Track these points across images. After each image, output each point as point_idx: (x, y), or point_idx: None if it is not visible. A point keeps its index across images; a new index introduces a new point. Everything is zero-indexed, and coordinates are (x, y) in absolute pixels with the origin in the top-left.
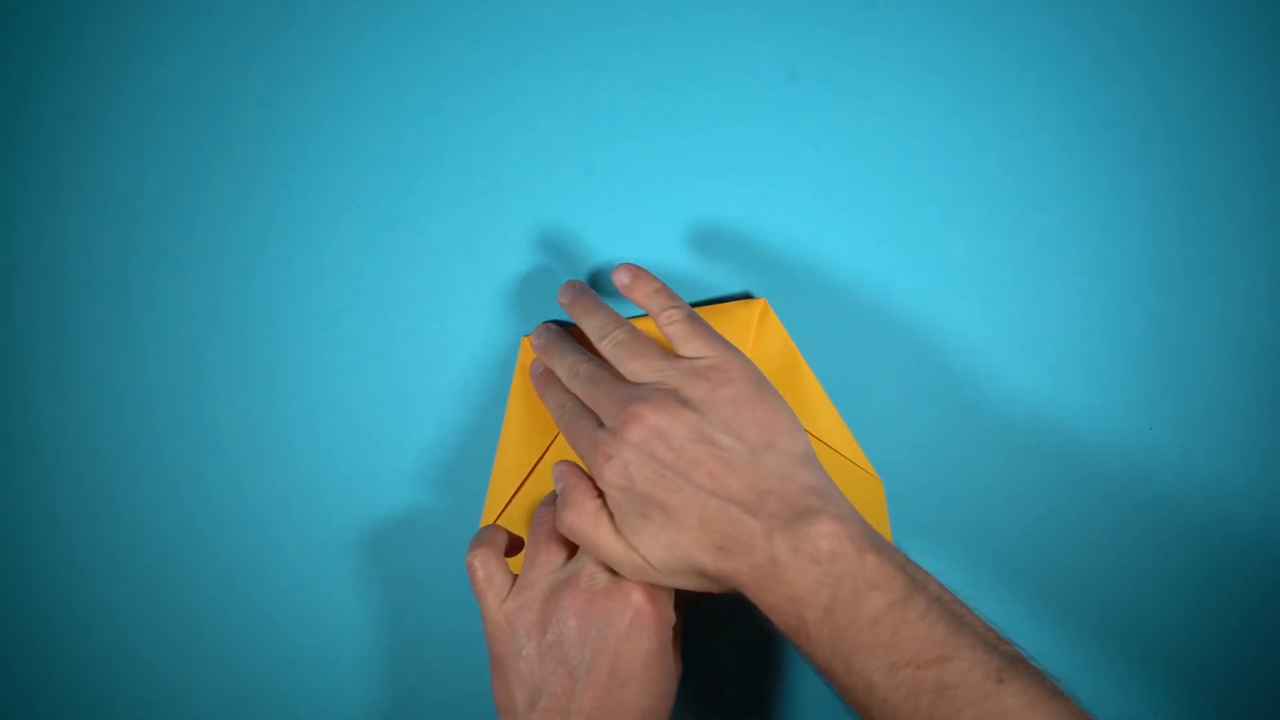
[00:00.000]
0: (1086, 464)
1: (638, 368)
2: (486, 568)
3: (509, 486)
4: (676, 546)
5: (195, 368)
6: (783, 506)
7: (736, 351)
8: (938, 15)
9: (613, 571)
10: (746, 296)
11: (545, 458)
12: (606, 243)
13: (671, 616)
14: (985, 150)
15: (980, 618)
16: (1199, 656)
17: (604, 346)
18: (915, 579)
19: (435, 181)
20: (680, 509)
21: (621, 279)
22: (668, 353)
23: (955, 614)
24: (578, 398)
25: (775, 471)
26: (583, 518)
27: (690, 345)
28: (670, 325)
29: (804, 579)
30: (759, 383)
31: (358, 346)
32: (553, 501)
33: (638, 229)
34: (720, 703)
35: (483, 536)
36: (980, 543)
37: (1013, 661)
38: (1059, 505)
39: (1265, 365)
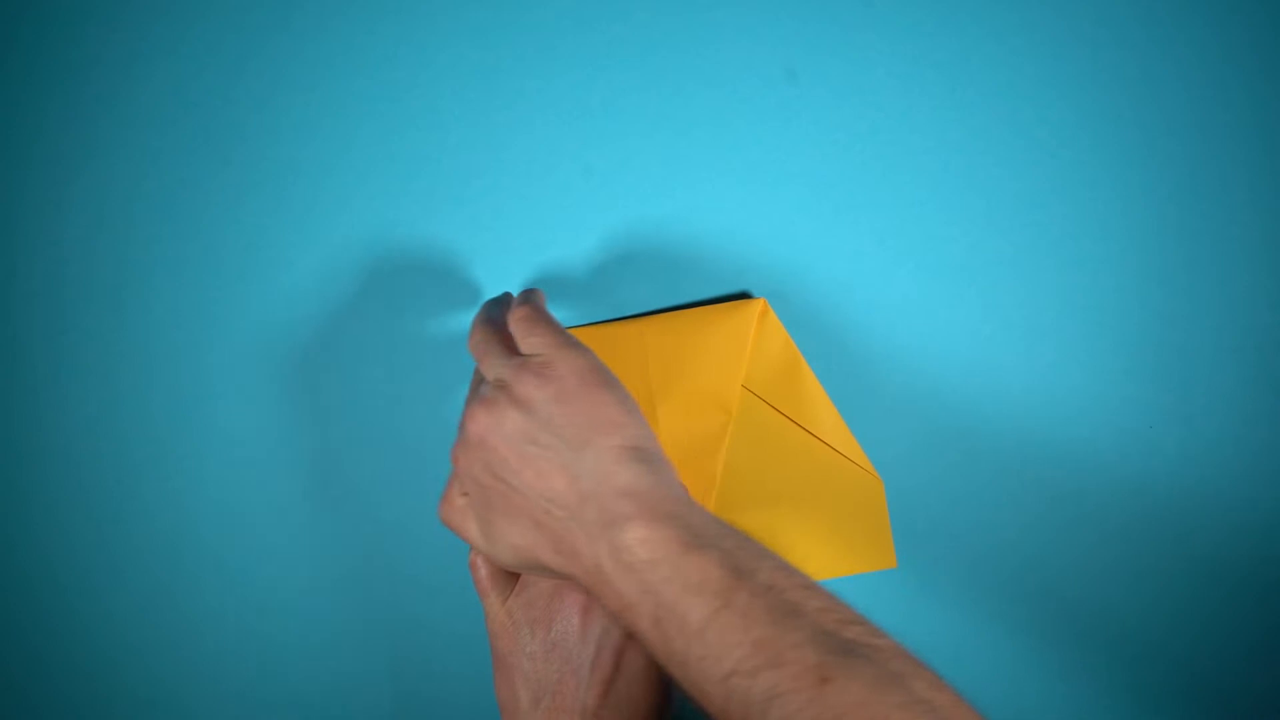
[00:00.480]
0: (1087, 463)
1: (485, 367)
2: (488, 566)
3: None
4: (521, 547)
5: (195, 369)
6: (600, 511)
7: (573, 344)
8: (937, 13)
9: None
10: (746, 296)
11: None
12: (606, 243)
13: None
14: (984, 148)
15: (821, 596)
16: (1198, 655)
17: (469, 346)
18: (740, 570)
19: (434, 182)
20: (514, 511)
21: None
22: (511, 351)
23: (784, 605)
24: None
25: (594, 472)
26: (451, 513)
27: (528, 341)
28: (516, 323)
29: (627, 587)
30: (585, 376)
31: (358, 347)
32: None
33: (637, 229)
34: None
35: None
36: (980, 542)
37: (844, 652)
38: (1059, 504)
39: (1265, 363)
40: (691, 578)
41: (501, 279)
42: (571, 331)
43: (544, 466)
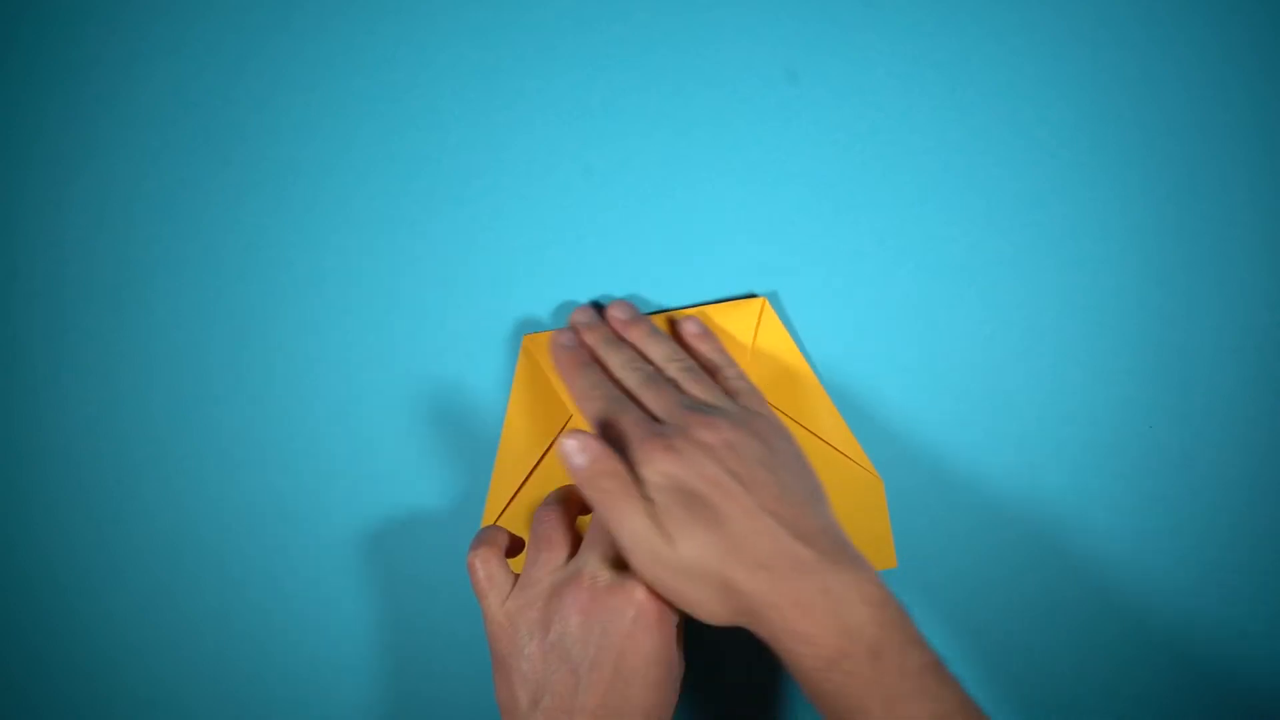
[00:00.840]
0: (1087, 462)
1: (707, 394)
2: (487, 567)
3: (510, 487)
4: (711, 554)
5: (195, 370)
6: (835, 546)
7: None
8: (937, 13)
9: (615, 568)
10: (746, 296)
11: (546, 458)
12: (605, 242)
13: (674, 614)
14: (984, 148)
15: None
16: (1198, 654)
17: (672, 368)
18: (933, 652)
19: (434, 182)
20: (732, 517)
21: (692, 329)
22: (733, 399)
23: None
24: (623, 390)
25: (825, 518)
26: (619, 487)
27: (752, 403)
28: (737, 380)
29: (855, 615)
30: (805, 455)
31: (358, 348)
32: (555, 500)
33: (637, 228)
34: (723, 700)
35: (483, 536)
36: (980, 541)
37: None
38: (1059, 503)
39: (1265, 363)
40: (914, 635)
41: (501, 279)
42: None
43: (777, 494)
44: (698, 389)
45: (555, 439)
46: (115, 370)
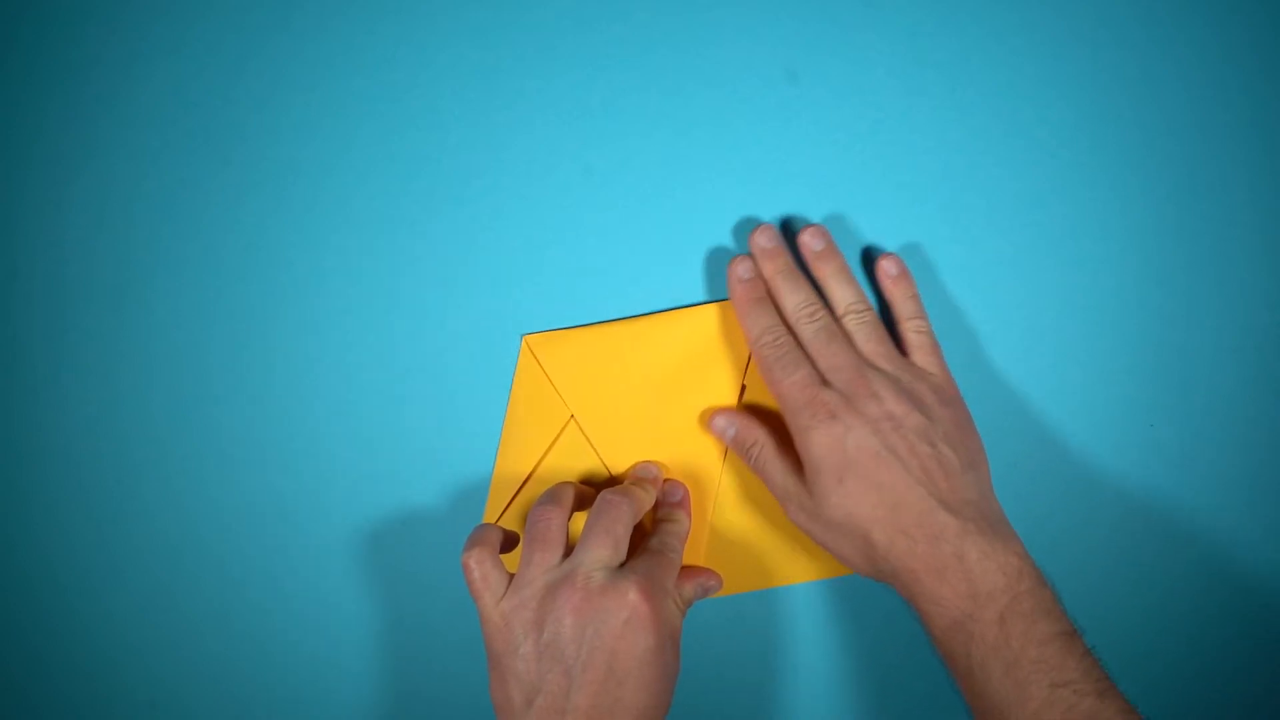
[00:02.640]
0: (1088, 461)
1: (878, 352)
2: (482, 567)
3: (510, 487)
4: (858, 516)
5: (195, 370)
6: (980, 516)
7: (956, 385)
8: (937, 13)
9: (609, 569)
10: None
11: (546, 457)
12: (605, 242)
13: (669, 615)
14: (984, 148)
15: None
16: (1198, 654)
17: (849, 319)
18: (1078, 628)
19: (434, 182)
20: (884, 486)
21: (890, 270)
22: (904, 356)
23: (1105, 672)
24: (795, 338)
25: (977, 488)
26: (767, 452)
27: (926, 358)
28: (916, 334)
29: (987, 581)
30: (971, 418)
31: (358, 348)
32: (549, 500)
33: (637, 228)
34: (719, 702)
35: (477, 536)
36: None
37: None
38: (1060, 502)
39: (1266, 362)
40: (1048, 605)
41: (501, 279)
42: (572, 331)
43: (933, 466)
44: (871, 346)
45: (555, 440)
46: (115, 370)
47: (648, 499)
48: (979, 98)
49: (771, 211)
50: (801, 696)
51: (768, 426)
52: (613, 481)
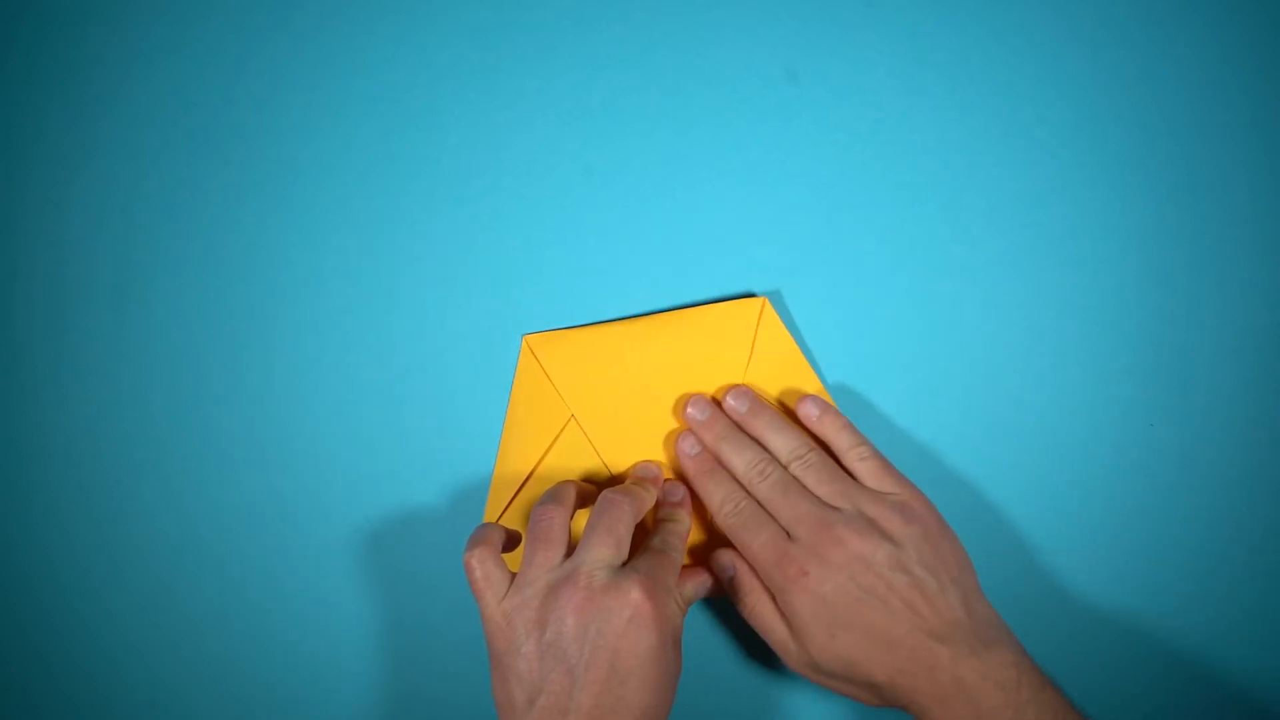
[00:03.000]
0: (1088, 460)
1: (832, 491)
2: (484, 566)
3: (510, 487)
4: (856, 663)
5: (195, 370)
6: (969, 635)
7: (918, 490)
8: (937, 13)
9: (611, 567)
10: (746, 296)
11: (546, 459)
12: (605, 242)
13: (671, 614)
14: (984, 148)
15: None
16: (1199, 651)
17: (795, 466)
18: (1078, 715)
19: (434, 182)
20: (872, 630)
21: (810, 411)
22: (859, 484)
23: None
24: (753, 499)
25: (960, 604)
26: (762, 605)
27: (881, 481)
28: (861, 461)
29: (989, 701)
30: (942, 521)
31: (358, 348)
32: (551, 499)
33: (636, 228)
34: (723, 700)
35: (479, 535)
36: (983, 538)
37: None
38: (1061, 501)
39: (1265, 360)
40: (1052, 706)
41: (502, 279)
42: (573, 331)
43: (912, 595)
44: (824, 487)
45: (555, 440)
46: (115, 370)
47: (649, 498)
48: (979, 98)
49: (771, 211)
50: (801, 695)
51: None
52: (613, 481)
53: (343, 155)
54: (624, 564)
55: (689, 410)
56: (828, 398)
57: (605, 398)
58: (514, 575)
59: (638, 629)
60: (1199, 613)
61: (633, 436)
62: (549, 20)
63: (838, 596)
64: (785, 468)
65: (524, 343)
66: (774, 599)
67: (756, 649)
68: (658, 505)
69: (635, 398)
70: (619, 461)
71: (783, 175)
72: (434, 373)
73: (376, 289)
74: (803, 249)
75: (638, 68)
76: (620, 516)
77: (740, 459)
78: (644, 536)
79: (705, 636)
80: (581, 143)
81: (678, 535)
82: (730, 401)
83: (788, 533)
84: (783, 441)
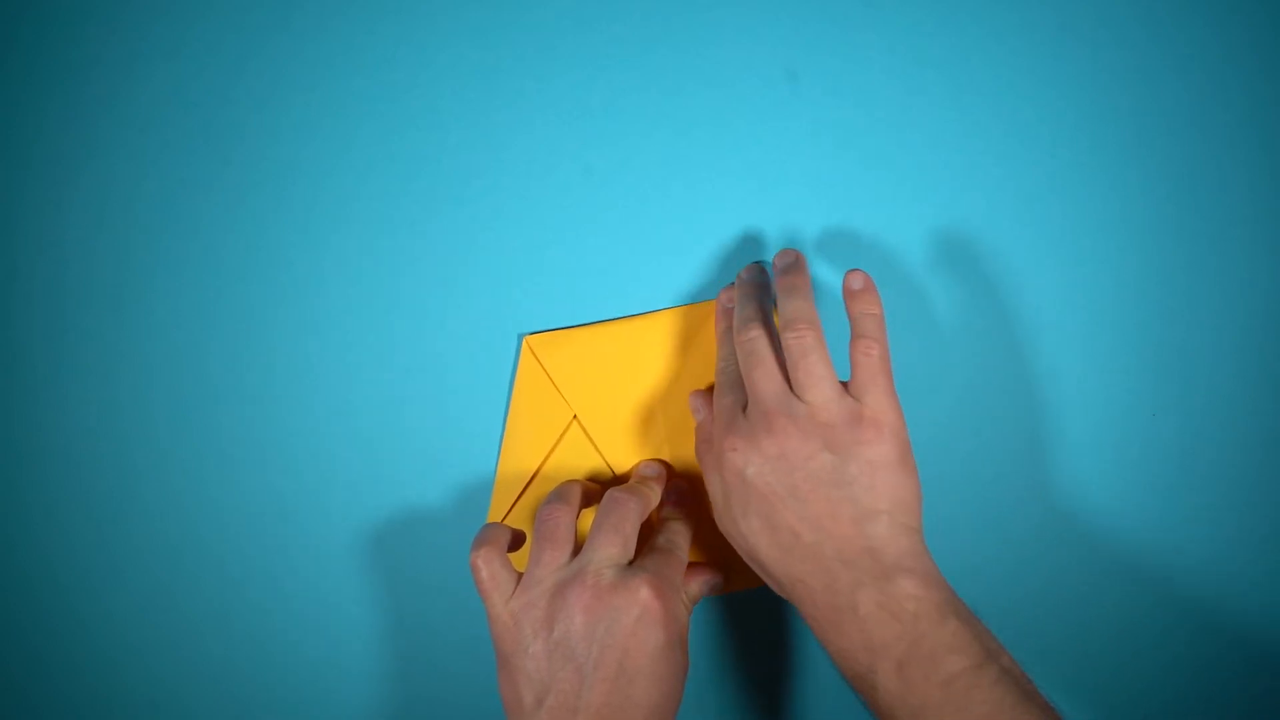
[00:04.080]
0: (1089, 452)
1: (805, 378)
2: (490, 566)
3: (514, 487)
4: (756, 550)
5: (195, 370)
6: (876, 563)
7: (899, 413)
8: (937, 13)
9: (618, 566)
10: None
11: (549, 459)
12: (605, 242)
13: (679, 612)
14: (984, 147)
15: (1044, 697)
16: (1200, 646)
17: (787, 336)
18: (989, 649)
19: (434, 182)
20: (779, 527)
21: (854, 284)
22: (838, 383)
23: (1024, 688)
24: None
25: (882, 535)
26: (706, 458)
27: (868, 386)
28: (864, 356)
29: (882, 631)
30: (903, 451)
31: (359, 349)
32: (557, 498)
33: (636, 228)
34: (728, 698)
35: (484, 535)
36: (984, 533)
37: None
38: (1063, 493)
39: (1267, 351)
40: (951, 640)
41: (502, 279)
42: (573, 331)
43: (836, 510)
44: (799, 372)
45: (559, 441)
46: (115, 370)
47: (654, 497)
48: (979, 98)
49: (771, 211)
50: (804, 695)
51: None
52: (617, 480)
53: (343, 155)
54: (630, 563)
55: (743, 273)
56: None
57: (607, 397)
58: (520, 575)
59: (646, 627)
60: (1202, 606)
61: (636, 435)
62: (549, 20)
63: (757, 482)
64: (780, 333)
65: (525, 343)
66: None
67: (760, 648)
68: (661, 504)
69: (638, 396)
70: (622, 460)
71: (783, 175)
72: (434, 372)
73: (376, 289)
74: (803, 249)
75: (638, 68)
76: (626, 515)
77: (738, 315)
78: (648, 535)
79: (710, 635)
80: (581, 143)
81: (682, 534)
82: (776, 258)
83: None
84: (788, 307)
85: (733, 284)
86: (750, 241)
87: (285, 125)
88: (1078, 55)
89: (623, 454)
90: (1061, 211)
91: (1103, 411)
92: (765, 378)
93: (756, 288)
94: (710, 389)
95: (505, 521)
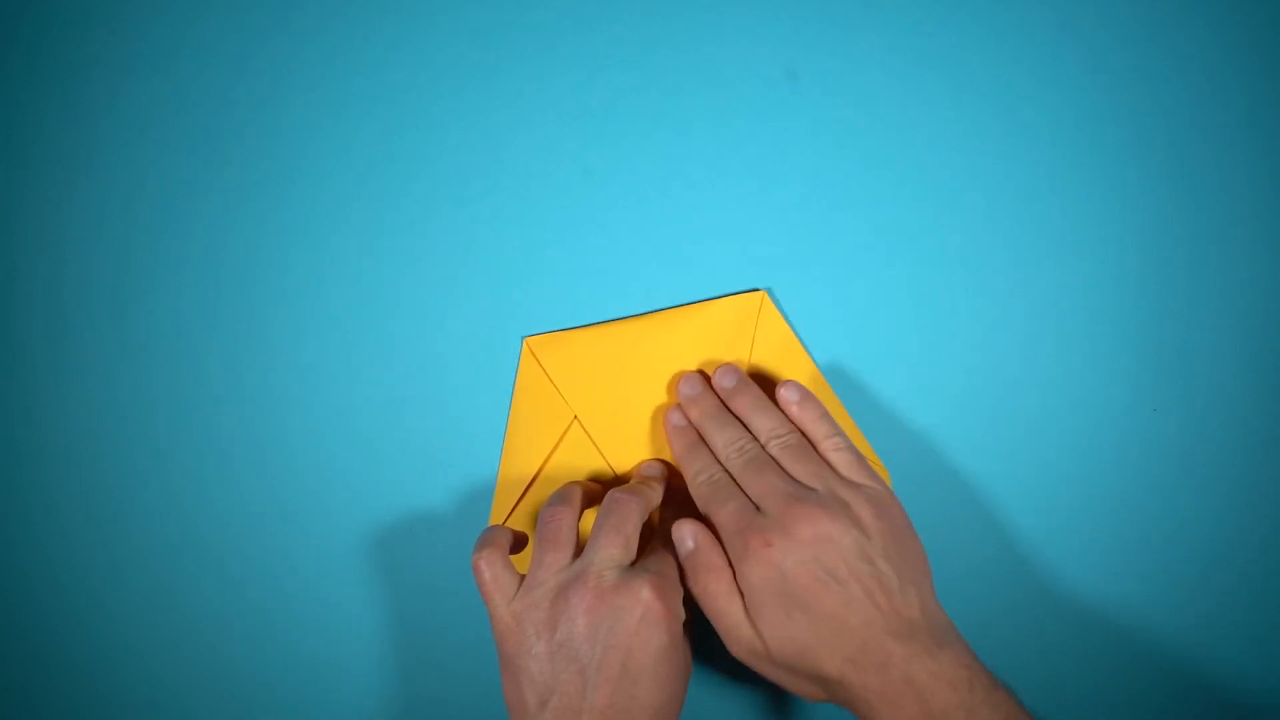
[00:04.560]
0: (1091, 447)
1: (806, 472)
2: (493, 568)
3: (515, 489)
4: (807, 648)
5: (196, 371)
6: (924, 635)
7: (888, 487)
8: (937, 13)
9: (620, 567)
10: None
11: (550, 460)
12: (605, 242)
13: (681, 613)
14: (984, 146)
15: None
16: (1201, 642)
17: (773, 445)
18: (1028, 717)
19: (434, 182)
20: (826, 614)
21: (790, 397)
22: (835, 471)
23: None
24: (728, 473)
25: (918, 604)
26: (719, 584)
27: (853, 473)
28: (836, 451)
29: (940, 701)
30: (908, 521)
31: (359, 351)
32: (559, 500)
33: (636, 228)
34: (731, 699)
35: (486, 538)
36: (985, 529)
37: None
38: (1064, 488)
39: (1267, 349)
40: (1001, 707)
41: (501, 279)
42: (573, 332)
43: (873, 586)
44: (799, 468)
45: (559, 441)
46: (116, 371)
47: (655, 497)
48: (979, 98)
49: (771, 211)
50: None
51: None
52: (619, 481)
53: (343, 155)
54: (632, 563)
55: (680, 386)
56: (828, 388)
57: (608, 397)
58: (522, 577)
59: (649, 628)
60: (1202, 603)
61: (637, 435)
62: (549, 20)
63: (798, 572)
64: (764, 447)
65: (525, 345)
66: (733, 577)
67: None
68: (663, 504)
69: (638, 396)
70: (623, 461)
71: (782, 175)
72: (435, 374)
73: (377, 290)
74: (803, 249)
75: (638, 68)
76: (628, 515)
77: (721, 436)
78: (650, 536)
79: (713, 635)
80: (581, 143)
81: None
82: (718, 378)
83: (758, 507)
84: (764, 421)
85: (677, 405)
86: (750, 241)
87: (285, 125)
88: (1078, 55)
89: (624, 454)
90: (1061, 211)
91: (1103, 410)
92: (773, 477)
93: (716, 408)
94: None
95: (507, 523)
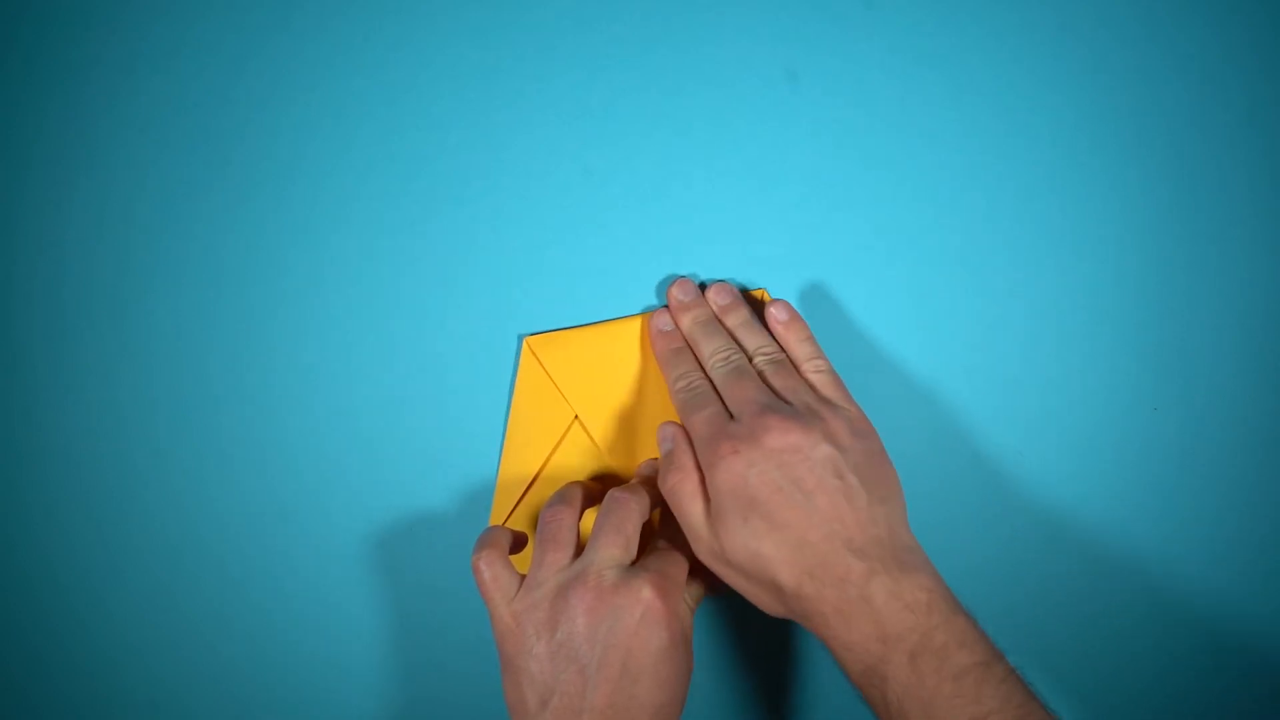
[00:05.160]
0: (1091, 447)
1: (787, 387)
2: (492, 569)
3: (516, 490)
4: (763, 556)
5: (196, 371)
6: (887, 554)
7: (864, 414)
8: (937, 13)
9: (621, 567)
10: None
11: (551, 460)
12: (605, 242)
13: (682, 612)
14: (984, 146)
15: (1043, 699)
16: (1200, 646)
17: (758, 359)
18: (995, 648)
19: (434, 182)
20: (787, 524)
21: (779, 315)
22: (816, 390)
23: (1027, 689)
24: (709, 381)
25: (885, 523)
26: (686, 485)
27: (834, 394)
28: (816, 373)
29: (896, 622)
30: (884, 450)
31: (359, 351)
32: (559, 500)
33: (636, 228)
34: (732, 698)
35: (486, 538)
36: (985, 530)
37: None
38: (1064, 487)
39: (1267, 349)
40: (962, 635)
41: (501, 279)
42: (573, 332)
43: (840, 500)
44: (780, 382)
45: (560, 442)
46: (116, 371)
47: (656, 496)
48: (979, 98)
49: (771, 211)
50: (808, 694)
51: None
52: (619, 480)
53: (343, 155)
54: (633, 563)
55: (673, 290)
56: None
57: (608, 397)
58: (523, 577)
59: (649, 627)
60: (1208, 596)
61: (637, 435)
62: (549, 20)
63: (761, 480)
64: (749, 360)
65: (525, 344)
66: (700, 480)
67: (764, 648)
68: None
69: (638, 396)
70: (623, 461)
71: (782, 175)
72: (435, 374)
73: (377, 290)
74: (803, 249)
75: (638, 68)
76: (628, 515)
77: (709, 344)
78: (650, 536)
79: (714, 635)
80: (581, 143)
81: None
82: (712, 294)
83: (731, 415)
84: (752, 339)
85: (664, 308)
86: (750, 241)
87: (285, 125)
88: (1078, 55)
89: (624, 454)
90: (1061, 211)
91: (1103, 409)
92: (752, 386)
93: (708, 317)
94: (672, 423)
95: (507, 523)
